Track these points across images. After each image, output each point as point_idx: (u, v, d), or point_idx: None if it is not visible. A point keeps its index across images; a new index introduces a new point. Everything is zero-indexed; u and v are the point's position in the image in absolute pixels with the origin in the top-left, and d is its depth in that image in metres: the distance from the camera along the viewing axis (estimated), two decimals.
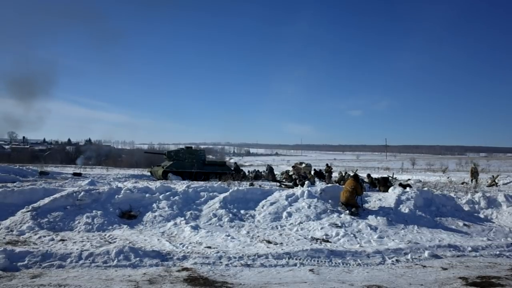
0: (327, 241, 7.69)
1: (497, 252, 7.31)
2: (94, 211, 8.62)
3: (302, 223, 8.75)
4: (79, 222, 8.17)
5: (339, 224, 8.58)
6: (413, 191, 10.65)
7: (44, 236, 7.17)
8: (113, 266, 5.59)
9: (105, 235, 7.61)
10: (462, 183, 21.03)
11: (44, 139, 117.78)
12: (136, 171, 31.36)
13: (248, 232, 8.13)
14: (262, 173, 25.07)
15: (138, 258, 5.87)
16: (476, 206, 10.76)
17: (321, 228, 8.32)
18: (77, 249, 6.14)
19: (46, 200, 8.75)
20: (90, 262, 5.66)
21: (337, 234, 7.98)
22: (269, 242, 7.43)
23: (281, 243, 7.36)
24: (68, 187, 13.94)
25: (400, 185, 16.14)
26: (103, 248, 6.12)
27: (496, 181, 21.79)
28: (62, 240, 6.98)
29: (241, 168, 26.88)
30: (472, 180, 22.19)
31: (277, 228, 8.54)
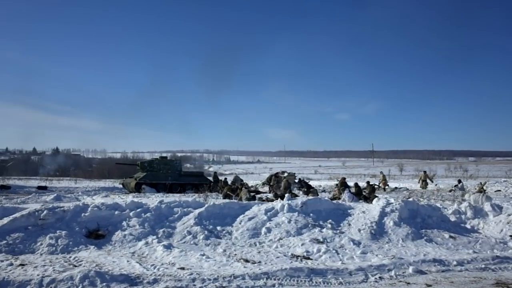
0: (308, 258, 7.73)
1: (483, 266, 7.46)
2: (58, 231, 8.45)
3: (282, 239, 8.78)
4: (41, 244, 8.00)
5: (321, 240, 8.64)
6: (398, 202, 10.81)
7: (2, 261, 6.96)
8: None
9: (70, 257, 7.46)
10: (450, 191, 21.47)
11: (7, 149, 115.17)
12: (108, 183, 30.91)
13: (224, 251, 8.11)
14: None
15: (104, 283, 5.77)
16: (463, 216, 10.99)
17: (302, 244, 8.36)
18: (38, 275, 6.00)
19: (5, 220, 8.54)
20: None
21: (319, 251, 8.02)
22: (246, 261, 7.43)
23: (259, 262, 7.36)
24: (31, 203, 13.70)
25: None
26: (66, 273, 6.00)
27: (484, 188, 22.29)
28: (22, 264, 6.81)
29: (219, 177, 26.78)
30: (422, 187, 24.34)
31: (256, 245, 8.54)
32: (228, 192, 17.24)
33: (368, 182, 20.04)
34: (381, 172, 28.02)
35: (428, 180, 25.48)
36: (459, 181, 23.64)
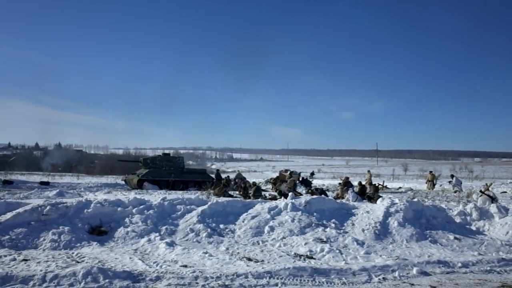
0: (311, 258, 7.75)
1: (488, 268, 7.44)
2: (61, 227, 8.51)
3: (285, 238, 8.80)
4: (44, 239, 8.06)
5: (324, 239, 8.65)
6: (402, 202, 10.79)
7: (5, 256, 7.02)
8: None
9: (73, 253, 7.51)
10: (455, 192, 21.40)
11: (9, 144, 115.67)
12: (110, 179, 31.08)
13: (227, 249, 8.13)
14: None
15: (107, 280, 5.80)
16: (468, 218, 10.95)
17: (305, 244, 8.38)
18: (40, 270, 6.04)
19: (8, 215, 8.61)
20: (54, 285, 5.57)
21: (322, 250, 8.03)
22: (249, 259, 7.45)
23: (262, 261, 7.38)
24: (34, 198, 13.76)
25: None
26: (69, 269, 6.03)
27: (490, 189, 22.16)
28: (25, 260, 6.86)
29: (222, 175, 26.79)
30: (429, 188, 24.08)
31: (259, 244, 8.56)
32: (227, 191, 17.18)
33: (370, 183, 20.02)
34: (369, 171, 28.12)
35: (434, 181, 25.26)
36: (452, 176, 23.62)
